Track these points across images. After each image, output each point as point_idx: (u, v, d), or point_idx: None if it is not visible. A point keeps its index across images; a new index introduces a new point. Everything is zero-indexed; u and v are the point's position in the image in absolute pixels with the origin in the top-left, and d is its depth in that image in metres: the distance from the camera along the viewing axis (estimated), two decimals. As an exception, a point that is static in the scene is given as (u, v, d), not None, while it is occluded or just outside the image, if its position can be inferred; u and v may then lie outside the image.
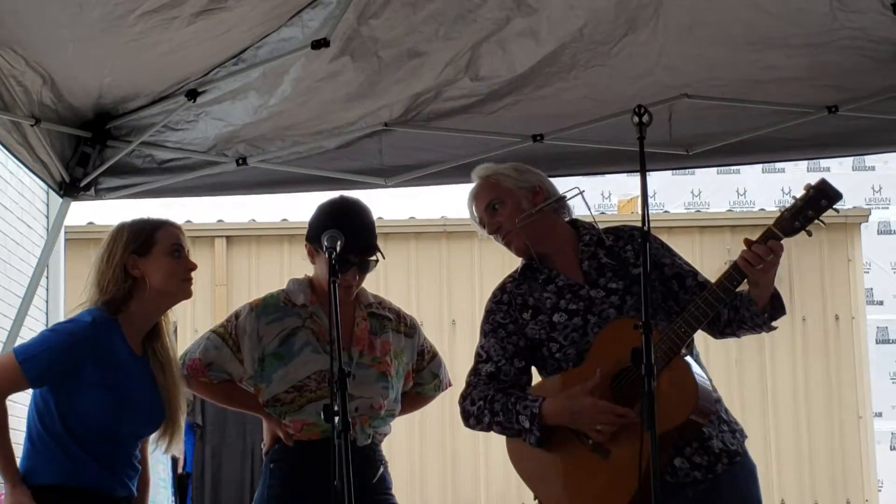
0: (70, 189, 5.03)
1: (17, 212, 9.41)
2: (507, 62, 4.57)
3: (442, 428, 10.71)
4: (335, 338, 3.22)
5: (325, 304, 3.96)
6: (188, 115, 4.86)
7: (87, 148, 4.99)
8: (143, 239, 3.58)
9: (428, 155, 5.06)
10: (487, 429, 3.64)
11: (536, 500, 3.61)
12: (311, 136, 4.93)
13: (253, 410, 4.08)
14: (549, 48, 4.48)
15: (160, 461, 7.87)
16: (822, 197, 3.35)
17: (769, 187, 16.01)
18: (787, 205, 3.38)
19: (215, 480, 8.80)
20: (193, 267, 3.64)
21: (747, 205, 16.27)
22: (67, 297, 9.78)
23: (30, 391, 3.54)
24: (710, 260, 10.38)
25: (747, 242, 3.36)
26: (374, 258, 3.99)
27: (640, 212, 3.08)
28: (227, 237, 11.87)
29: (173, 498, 8.15)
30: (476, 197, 3.77)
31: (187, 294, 3.65)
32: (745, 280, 3.39)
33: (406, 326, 4.13)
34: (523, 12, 4.35)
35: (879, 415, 13.75)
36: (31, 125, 4.57)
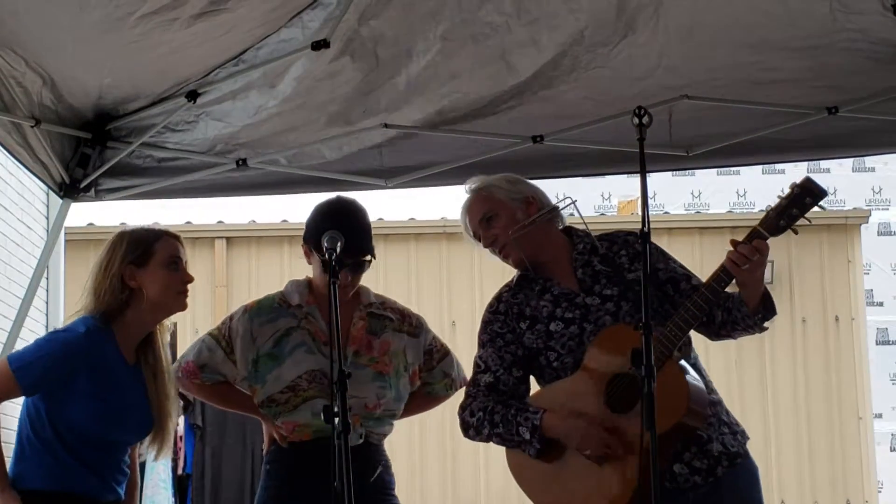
0: (70, 190, 5.03)
1: (17, 213, 9.41)
2: (509, 67, 4.57)
3: (442, 428, 10.72)
4: (335, 340, 3.22)
5: (322, 304, 3.97)
6: (188, 116, 4.86)
7: (87, 149, 4.99)
8: (142, 250, 3.59)
9: (428, 156, 5.06)
10: (487, 440, 3.65)
11: None
12: (310, 136, 4.93)
13: (249, 411, 4.09)
14: (549, 54, 4.49)
15: (160, 462, 7.87)
16: (806, 195, 3.34)
17: (769, 189, 15.92)
18: (773, 204, 3.38)
19: (215, 481, 8.81)
20: (190, 279, 3.65)
21: (747, 206, 16.26)
22: (67, 298, 9.78)
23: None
24: (710, 261, 10.35)
25: (733, 243, 3.36)
26: (367, 259, 3.99)
27: (640, 213, 3.08)
28: (227, 238, 11.88)
29: (173, 499, 8.15)
30: (469, 210, 3.76)
31: (182, 306, 3.66)
32: (735, 281, 3.39)
33: (410, 326, 4.11)
34: (523, 20, 4.35)
35: (879, 416, 13.74)
36: (31, 126, 4.57)
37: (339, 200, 4.09)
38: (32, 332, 8.36)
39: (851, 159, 15.12)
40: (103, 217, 11.11)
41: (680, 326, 3.37)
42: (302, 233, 4.06)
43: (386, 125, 4.83)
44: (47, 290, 9.73)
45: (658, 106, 4.55)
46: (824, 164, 14.30)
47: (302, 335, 3.97)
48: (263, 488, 4.04)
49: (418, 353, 4.11)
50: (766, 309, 3.47)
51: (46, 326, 9.45)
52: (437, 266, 11.75)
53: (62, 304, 9.83)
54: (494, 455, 10.11)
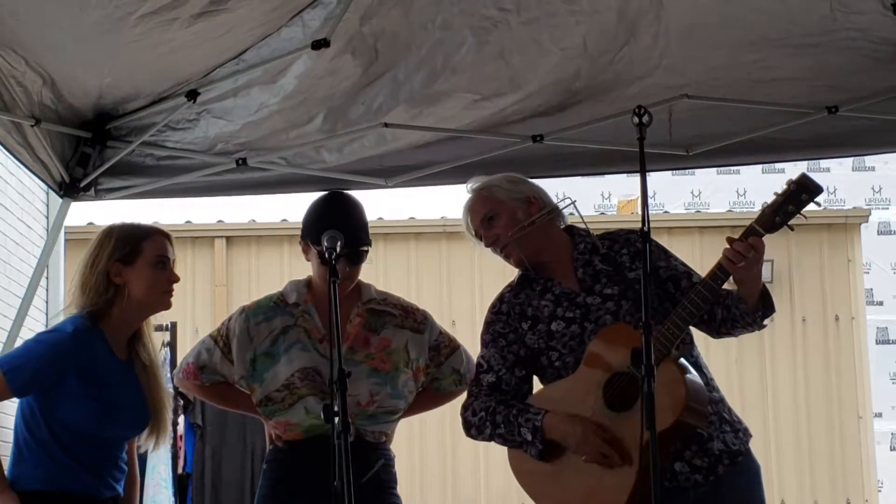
0: (70, 189, 5.03)
1: (17, 212, 9.41)
2: (510, 70, 4.57)
3: (442, 426, 10.72)
4: (335, 339, 3.22)
5: (320, 302, 3.98)
6: (189, 114, 4.86)
7: (87, 148, 4.98)
8: (130, 248, 3.59)
9: (428, 155, 5.06)
10: (489, 440, 3.66)
11: None
12: (311, 133, 4.93)
13: (249, 411, 4.11)
14: (552, 59, 4.50)
15: (162, 461, 7.88)
16: (802, 191, 3.34)
17: (769, 188, 15.87)
18: (769, 201, 3.38)
19: (215, 481, 8.80)
20: (176, 279, 3.65)
21: (747, 205, 16.26)
22: (66, 297, 9.76)
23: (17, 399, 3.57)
24: (710, 260, 10.32)
25: (729, 240, 3.36)
26: (364, 249, 3.99)
27: (639, 212, 3.08)
28: (227, 237, 11.88)
29: (174, 498, 8.15)
30: (471, 210, 3.77)
31: (167, 306, 3.66)
32: (732, 279, 3.39)
33: (414, 322, 4.09)
34: (523, 17, 4.35)
35: (879, 415, 13.75)
36: (32, 125, 4.57)
37: (331, 194, 4.13)
38: (33, 332, 8.33)
39: (851, 158, 15.08)
40: (103, 216, 11.09)
41: (677, 324, 3.37)
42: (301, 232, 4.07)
43: (386, 124, 4.83)
44: (47, 290, 9.73)
45: (658, 105, 4.55)
46: (824, 163, 14.29)
47: (298, 333, 3.98)
48: (260, 487, 4.06)
49: (423, 349, 4.08)
50: (764, 306, 3.47)
51: (46, 325, 9.43)
52: (436, 265, 11.76)
53: (62, 303, 9.79)
54: (494, 454, 10.13)
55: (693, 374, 3.43)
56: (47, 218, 9.97)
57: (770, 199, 3.37)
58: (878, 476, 12.02)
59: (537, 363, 3.66)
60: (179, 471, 8.43)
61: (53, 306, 9.74)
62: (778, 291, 10.99)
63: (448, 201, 10.78)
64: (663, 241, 3.79)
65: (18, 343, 4.65)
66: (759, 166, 11.98)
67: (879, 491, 12.15)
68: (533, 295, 3.68)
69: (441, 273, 11.74)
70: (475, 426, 3.66)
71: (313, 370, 3.93)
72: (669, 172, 13.35)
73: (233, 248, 11.87)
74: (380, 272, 10.62)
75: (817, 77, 4.58)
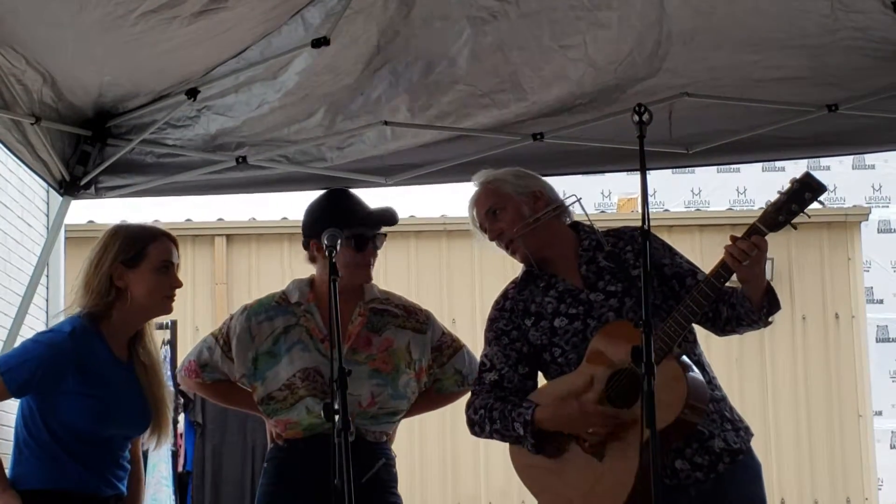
0: (70, 187, 5.03)
1: (18, 210, 9.41)
2: (510, 70, 4.57)
3: (442, 424, 10.73)
4: (335, 338, 3.22)
5: (322, 301, 3.97)
6: (190, 111, 4.86)
7: (87, 146, 4.98)
8: (135, 251, 3.58)
9: (428, 153, 5.05)
10: (489, 437, 3.66)
11: None
12: (311, 130, 4.93)
13: (251, 409, 4.11)
14: (555, 61, 4.50)
15: (162, 459, 7.89)
16: (806, 190, 3.33)
17: (769, 186, 15.87)
18: (772, 199, 3.37)
19: (216, 479, 8.80)
20: (179, 285, 3.64)
21: (747, 203, 16.27)
22: (67, 296, 9.75)
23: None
24: (710, 259, 10.31)
25: (732, 238, 3.36)
26: (383, 232, 4.02)
27: (640, 210, 3.08)
28: (227, 236, 11.88)
29: (174, 496, 8.15)
30: (476, 203, 3.77)
31: (167, 310, 3.66)
32: (736, 277, 3.39)
33: (417, 322, 4.07)
34: (523, 9, 4.35)
35: (879, 413, 13.75)
36: (32, 124, 4.57)
37: (331, 192, 4.13)
38: (33, 330, 8.33)
39: (851, 157, 15.10)
40: (103, 214, 11.12)
41: (679, 322, 3.37)
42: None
43: (386, 123, 4.83)
44: (47, 288, 9.73)
45: (658, 103, 4.55)
46: (824, 161, 14.31)
47: (299, 333, 3.98)
48: (261, 485, 4.06)
49: (425, 350, 4.06)
50: (769, 304, 3.47)
51: (46, 324, 9.44)
52: (436, 264, 11.75)
53: (62, 301, 9.82)
54: (494, 452, 10.14)
55: (695, 372, 3.43)
56: (47, 216, 9.97)
57: (773, 197, 3.36)
58: (878, 474, 12.02)
59: (540, 359, 3.66)
60: (180, 469, 8.43)
61: (53, 305, 9.74)
62: (778, 290, 10.83)
63: (448, 199, 10.80)
64: (663, 239, 3.79)
65: (18, 341, 4.66)
66: (760, 164, 11.98)
67: (879, 489, 12.15)
68: (536, 291, 3.68)
69: (441, 271, 11.74)
70: (477, 424, 3.67)
71: (314, 371, 3.92)
72: (669, 170, 13.35)
73: (233, 246, 11.87)
74: (380, 270, 10.58)
75: (817, 75, 4.58)
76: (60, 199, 5.11)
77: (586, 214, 3.81)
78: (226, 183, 5.20)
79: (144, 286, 3.57)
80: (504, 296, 3.75)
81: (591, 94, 4.67)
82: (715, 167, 13.49)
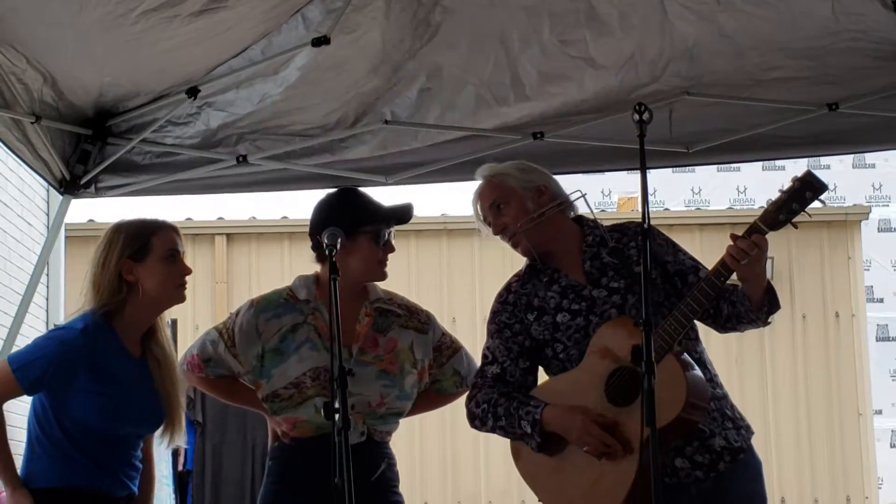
0: (70, 186, 5.03)
1: (18, 209, 9.42)
2: (511, 71, 4.57)
3: (442, 422, 10.72)
4: (335, 335, 3.22)
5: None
6: (190, 108, 4.86)
7: (87, 145, 4.98)
8: (140, 245, 3.58)
9: (428, 152, 5.05)
10: (491, 431, 3.66)
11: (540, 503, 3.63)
12: (311, 131, 4.93)
13: (253, 406, 4.09)
14: (557, 63, 4.51)
15: (162, 458, 7.88)
16: (807, 189, 3.32)
17: (769, 185, 15.92)
18: (773, 198, 3.37)
19: (216, 477, 8.81)
20: (188, 272, 3.65)
21: (747, 202, 16.27)
22: (68, 295, 9.78)
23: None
24: (710, 258, 10.33)
25: (732, 237, 3.36)
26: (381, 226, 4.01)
27: (640, 209, 3.08)
28: (228, 234, 11.89)
29: (174, 495, 8.16)
30: (480, 196, 3.77)
31: (181, 299, 3.66)
32: (736, 276, 3.39)
33: (419, 322, 4.06)
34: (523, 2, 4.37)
35: (879, 412, 13.76)
36: (32, 123, 4.57)
37: (342, 190, 4.12)
38: (33, 329, 8.37)
39: (851, 156, 15.11)
40: (104, 214, 11.08)
41: (680, 320, 3.37)
42: (303, 229, 4.06)
43: (386, 122, 4.83)
44: (47, 287, 9.74)
45: (658, 103, 4.56)
46: (824, 160, 14.30)
47: (307, 331, 3.96)
48: (265, 483, 4.03)
49: (427, 350, 4.06)
50: (770, 303, 3.48)
51: (47, 323, 9.45)
52: (436, 262, 11.76)
53: (62, 300, 9.84)
54: (495, 449, 10.14)
55: (695, 370, 3.42)
56: (47, 215, 9.98)
57: (774, 196, 3.36)
58: (879, 473, 12.03)
59: (542, 354, 3.66)
60: (180, 468, 8.44)
61: (53, 304, 9.75)
62: (778, 289, 10.85)
63: (448, 198, 10.80)
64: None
65: (18, 340, 4.66)
66: (760, 163, 12.00)
67: (879, 488, 12.16)
68: (539, 286, 3.68)
69: (441, 270, 11.74)
70: (478, 417, 3.67)
71: (324, 370, 3.91)
72: (670, 169, 13.34)
73: (233, 245, 11.88)
74: (380, 269, 10.60)
75: (818, 74, 4.58)
76: (60, 198, 5.11)
77: (592, 211, 3.80)
78: (226, 182, 5.20)
79: (155, 277, 3.57)
80: (507, 289, 3.75)
81: (596, 103, 4.69)
82: (715, 166, 13.48)
